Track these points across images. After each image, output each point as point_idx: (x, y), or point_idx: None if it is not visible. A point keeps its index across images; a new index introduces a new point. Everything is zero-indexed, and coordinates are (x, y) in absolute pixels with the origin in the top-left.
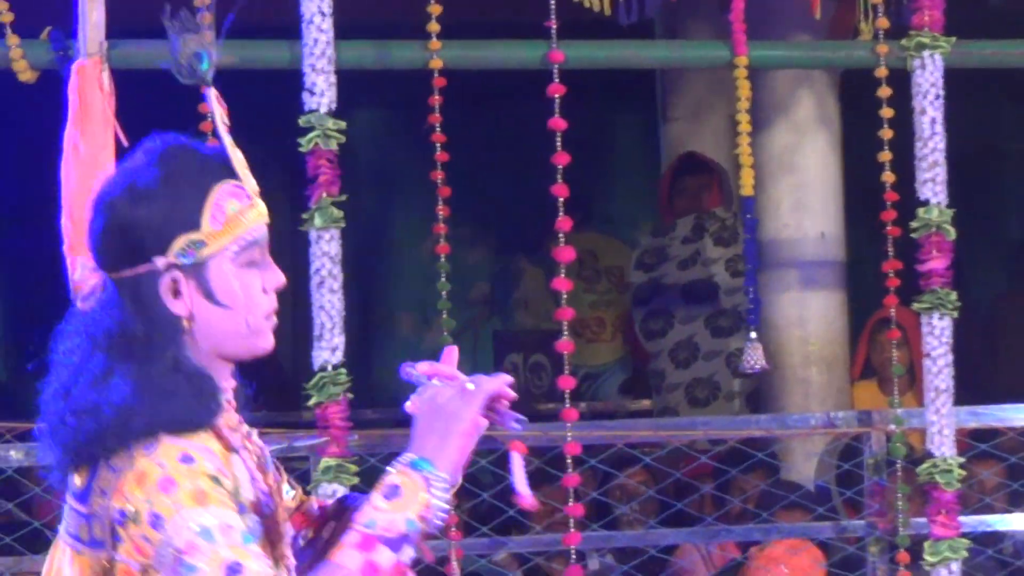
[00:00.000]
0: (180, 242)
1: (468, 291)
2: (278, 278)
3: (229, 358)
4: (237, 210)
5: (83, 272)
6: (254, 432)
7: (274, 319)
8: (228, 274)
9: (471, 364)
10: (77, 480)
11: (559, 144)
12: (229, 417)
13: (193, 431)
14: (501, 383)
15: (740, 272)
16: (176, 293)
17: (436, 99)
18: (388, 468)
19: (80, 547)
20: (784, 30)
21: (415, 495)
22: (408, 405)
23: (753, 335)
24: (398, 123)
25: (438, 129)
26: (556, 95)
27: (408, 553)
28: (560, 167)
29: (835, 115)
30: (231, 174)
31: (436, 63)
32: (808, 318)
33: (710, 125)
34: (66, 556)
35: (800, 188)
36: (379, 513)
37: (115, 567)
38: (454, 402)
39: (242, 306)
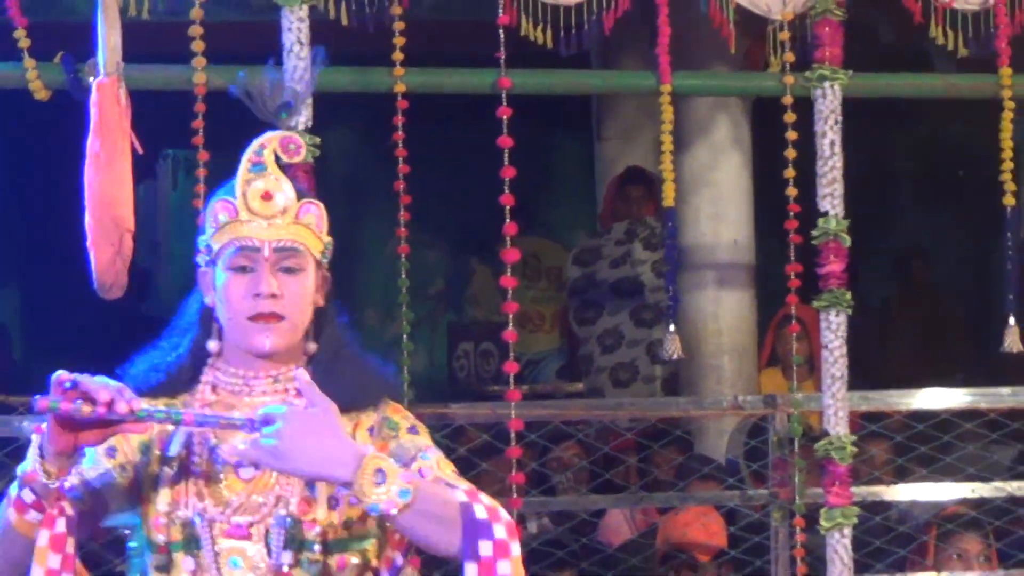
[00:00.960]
0: (202, 244)
1: (426, 288)
2: (259, 285)
3: (244, 349)
4: (226, 220)
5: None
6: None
7: (266, 324)
8: (221, 274)
9: (428, 352)
10: None
11: (506, 159)
12: (237, 399)
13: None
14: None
15: (664, 273)
16: (207, 285)
17: (400, 119)
18: None
19: None
20: (703, 61)
21: None
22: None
23: (672, 328)
24: (366, 140)
25: (400, 145)
26: (504, 116)
27: None
28: (507, 179)
29: (747, 137)
30: (231, 192)
31: (400, 87)
32: (721, 313)
33: (639, 144)
34: None
35: (716, 200)
36: None
37: None
38: None
39: (227, 304)
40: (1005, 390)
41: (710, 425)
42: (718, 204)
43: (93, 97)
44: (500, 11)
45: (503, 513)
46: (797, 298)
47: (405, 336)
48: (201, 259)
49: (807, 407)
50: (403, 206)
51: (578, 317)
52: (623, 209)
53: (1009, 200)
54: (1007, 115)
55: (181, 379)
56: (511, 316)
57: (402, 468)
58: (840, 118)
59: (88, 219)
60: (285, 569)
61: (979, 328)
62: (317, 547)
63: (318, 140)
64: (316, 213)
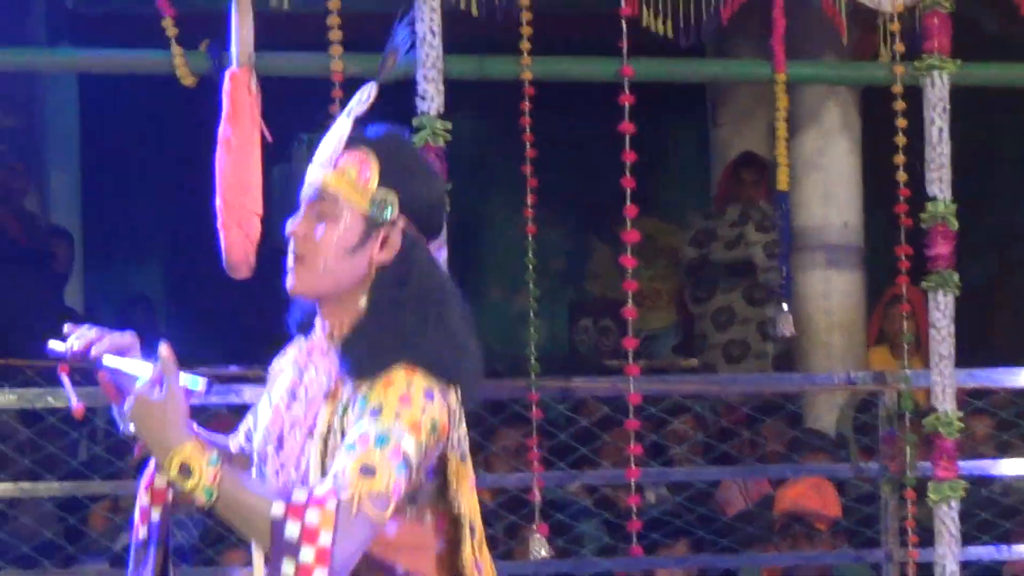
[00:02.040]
0: None
1: (548, 265)
2: (289, 224)
3: None
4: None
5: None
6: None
7: (292, 264)
8: None
9: (550, 327)
10: None
11: (628, 144)
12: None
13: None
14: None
15: (775, 254)
16: None
17: (527, 106)
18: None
19: None
20: (815, 51)
21: None
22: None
23: (785, 306)
24: (493, 125)
25: (527, 131)
26: (626, 103)
27: None
28: (628, 163)
29: (856, 123)
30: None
31: (528, 75)
32: (831, 293)
33: (752, 130)
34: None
35: (826, 184)
36: None
37: None
38: None
39: None
40: None
41: (819, 400)
42: (828, 187)
43: (225, 86)
44: (623, 2)
45: (323, 537)
46: (906, 279)
47: (532, 312)
48: None
49: (916, 384)
50: (530, 188)
51: (693, 295)
52: (736, 193)
53: None
54: None
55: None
56: (630, 294)
57: (215, 466)
58: (948, 106)
59: (218, 202)
60: None
61: None
62: None
63: (449, 125)
64: (357, 163)
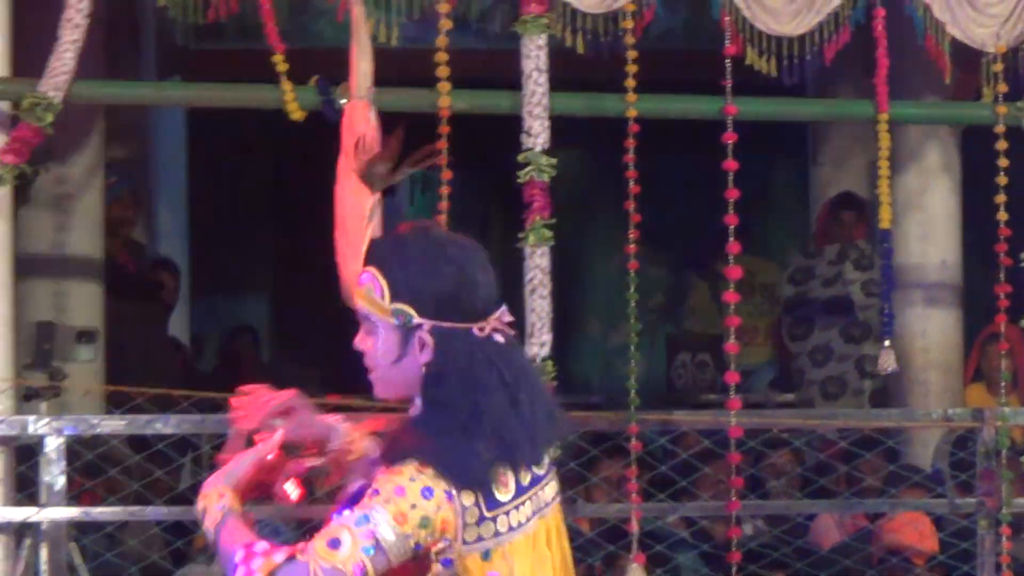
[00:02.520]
0: None
1: (647, 300)
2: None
3: None
4: None
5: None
6: None
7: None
8: None
9: (648, 361)
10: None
11: (730, 182)
12: None
13: None
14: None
15: (872, 292)
16: None
17: (631, 142)
18: None
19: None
20: (915, 91)
21: None
22: None
23: (887, 343)
24: (598, 162)
25: (631, 167)
26: (730, 141)
27: None
28: (731, 200)
29: (957, 162)
30: None
31: (632, 112)
32: (929, 330)
33: (850, 169)
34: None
35: (926, 223)
36: None
37: None
38: None
39: None
40: None
41: (916, 436)
42: (927, 227)
43: (345, 118)
44: (727, 41)
45: None
46: (1005, 317)
47: (632, 346)
48: None
49: (1014, 421)
50: (632, 224)
51: (791, 332)
52: (835, 232)
53: None
54: None
55: None
56: (732, 329)
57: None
58: None
59: (338, 235)
60: None
61: None
62: None
63: (554, 161)
64: (369, 283)
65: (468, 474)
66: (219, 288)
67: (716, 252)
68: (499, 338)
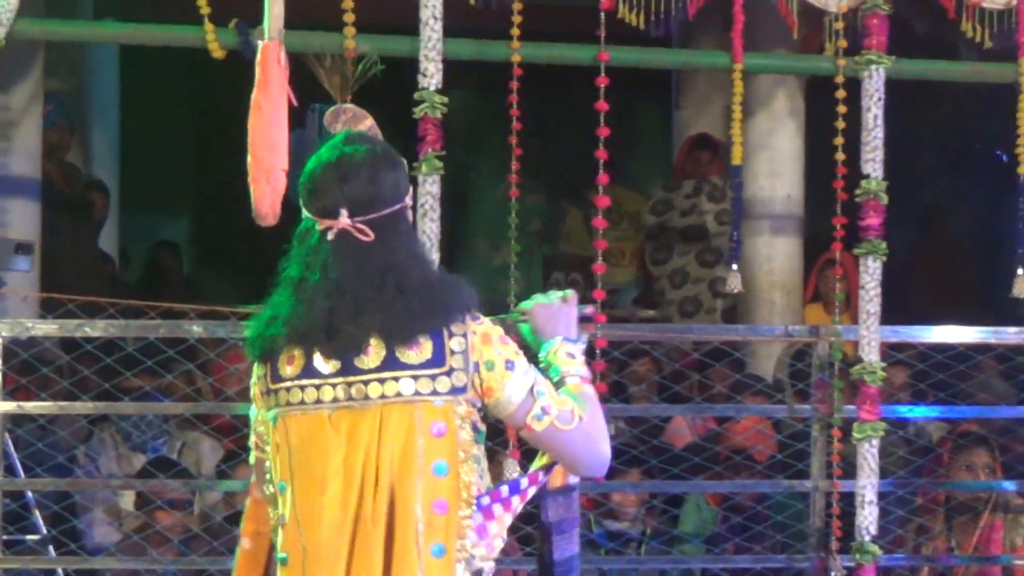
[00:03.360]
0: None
1: (527, 225)
2: None
3: None
4: None
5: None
6: None
7: None
8: None
9: (526, 279)
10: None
11: (602, 120)
12: None
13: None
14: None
15: (724, 222)
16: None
17: (515, 84)
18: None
19: (439, 399)
20: (768, 44)
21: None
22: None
23: (735, 267)
24: (485, 102)
25: (515, 107)
26: (602, 85)
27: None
28: (602, 137)
29: (801, 109)
30: None
31: (516, 58)
32: (774, 256)
33: (709, 113)
34: (397, 413)
35: (774, 161)
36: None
37: (459, 408)
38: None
39: None
40: (1012, 329)
41: (760, 350)
42: (775, 164)
43: (258, 57)
44: None
45: None
46: (840, 246)
47: (512, 265)
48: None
49: (846, 337)
50: (515, 157)
51: (652, 257)
52: (692, 168)
53: (1023, 170)
54: (1023, 98)
55: None
56: (600, 252)
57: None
58: (883, 96)
59: (249, 159)
60: None
61: (989, 276)
62: None
63: (446, 99)
64: None
65: (256, 348)
66: (145, 207)
67: (588, 183)
68: (330, 237)
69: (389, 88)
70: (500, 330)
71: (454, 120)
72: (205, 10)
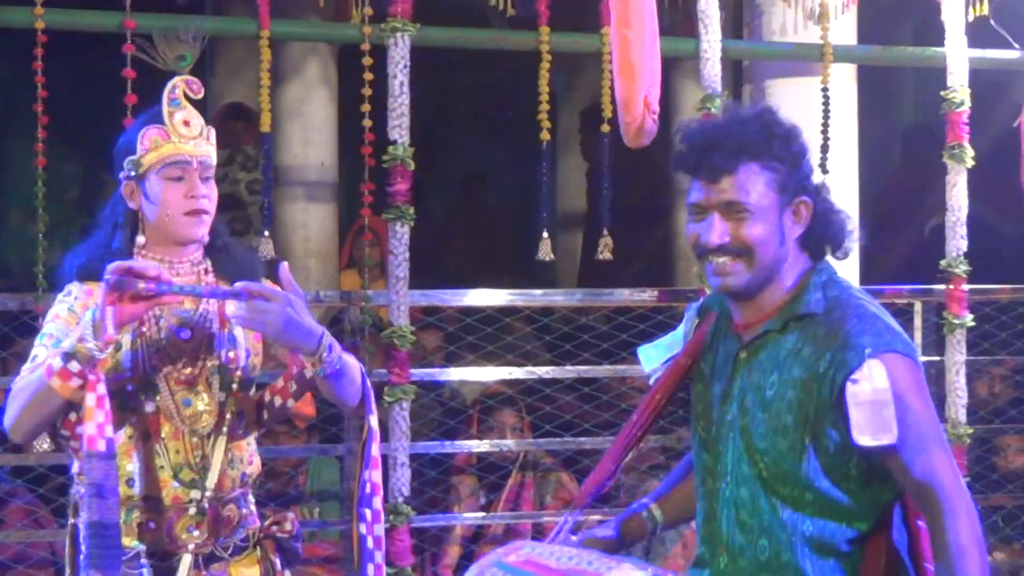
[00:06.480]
0: (129, 164)
1: (63, 194)
2: (194, 189)
3: (172, 240)
4: (159, 143)
5: None
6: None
7: (199, 218)
8: (155, 184)
9: (65, 249)
10: None
11: (129, 88)
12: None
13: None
14: None
15: (255, 191)
16: (131, 194)
17: (39, 51)
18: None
19: None
20: (299, 11)
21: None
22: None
23: (267, 234)
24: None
25: (39, 74)
26: (129, 52)
27: None
28: (130, 105)
29: (334, 76)
30: (159, 121)
31: (40, 24)
32: (310, 223)
33: (244, 80)
34: None
35: (307, 129)
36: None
37: None
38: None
39: (164, 205)
40: (538, 292)
41: None
42: (308, 132)
43: None
44: None
45: None
46: (370, 211)
47: (40, 235)
48: (126, 174)
49: (377, 302)
50: (41, 125)
51: None
52: (225, 140)
53: (545, 136)
54: (544, 66)
55: None
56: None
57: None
58: (408, 63)
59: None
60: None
61: (525, 240)
62: (236, 386)
63: None
64: (213, 134)
65: None
66: None
67: None
68: None
69: None
70: None
71: None
72: None
